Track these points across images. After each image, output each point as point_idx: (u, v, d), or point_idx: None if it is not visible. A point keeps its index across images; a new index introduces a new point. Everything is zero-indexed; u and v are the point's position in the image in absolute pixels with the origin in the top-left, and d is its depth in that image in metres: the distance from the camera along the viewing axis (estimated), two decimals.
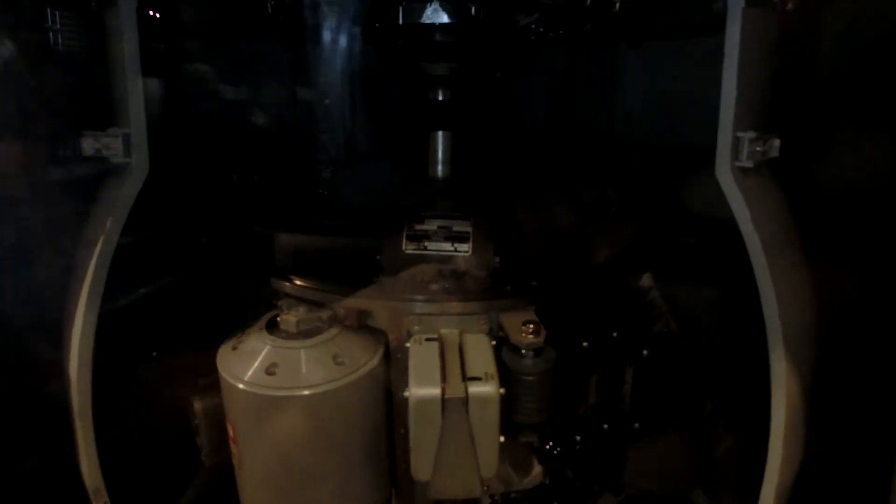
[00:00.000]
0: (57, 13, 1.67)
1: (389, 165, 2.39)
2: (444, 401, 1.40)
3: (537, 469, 1.81)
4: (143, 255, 1.88)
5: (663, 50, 2.37)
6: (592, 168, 2.62)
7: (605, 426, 1.71)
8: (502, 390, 1.43)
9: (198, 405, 1.91)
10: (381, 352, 1.64)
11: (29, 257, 1.68)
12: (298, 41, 2.46)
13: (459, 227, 1.88)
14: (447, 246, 1.85)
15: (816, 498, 1.71)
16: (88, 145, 1.60)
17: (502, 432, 1.50)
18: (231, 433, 1.65)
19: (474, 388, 1.41)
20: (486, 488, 1.78)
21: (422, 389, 1.42)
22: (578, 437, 1.69)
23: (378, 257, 1.82)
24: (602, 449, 1.81)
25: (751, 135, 1.42)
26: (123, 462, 1.77)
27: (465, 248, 1.84)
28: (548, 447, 1.73)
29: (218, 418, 1.78)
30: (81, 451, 1.67)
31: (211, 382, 1.76)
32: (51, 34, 1.67)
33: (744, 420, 1.79)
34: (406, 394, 1.42)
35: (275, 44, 2.55)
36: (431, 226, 1.89)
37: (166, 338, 1.92)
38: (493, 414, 1.42)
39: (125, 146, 1.59)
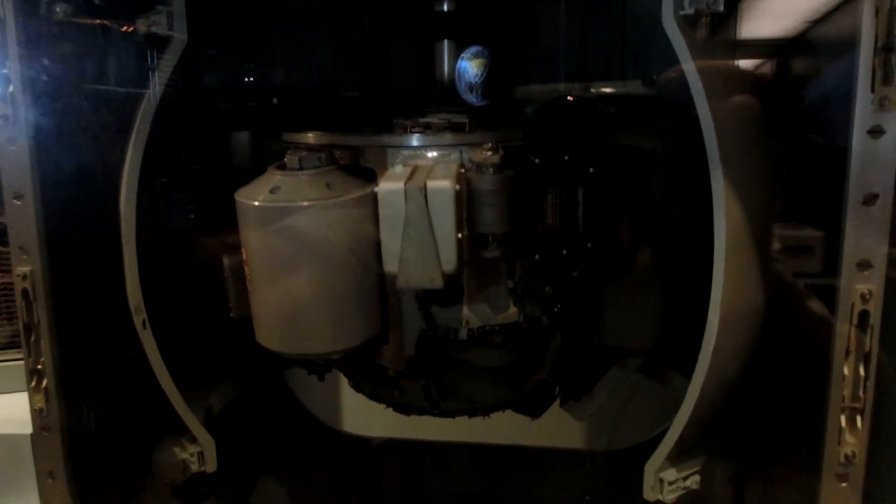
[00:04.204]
0: None
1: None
2: (406, 191, 1.66)
3: (512, 309, 2.02)
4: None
5: None
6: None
7: (564, 251, 1.90)
8: (458, 186, 1.67)
9: (226, 261, 2.24)
10: (370, 188, 1.91)
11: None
12: None
13: (457, 119, 2.16)
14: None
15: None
16: (141, 25, 2.01)
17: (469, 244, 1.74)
18: (245, 256, 1.95)
19: (432, 182, 1.66)
20: (465, 323, 2.01)
21: (388, 184, 1.69)
22: (538, 256, 1.89)
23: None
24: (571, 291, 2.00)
25: None
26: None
27: None
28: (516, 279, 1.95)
29: (242, 274, 2.10)
30: (127, 271, 2.01)
31: (235, 242, 2.08)
32: None
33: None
34: (375, 189, 1.69)
35: None
36: (433, 119, 2.17)
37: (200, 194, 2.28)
38: (450, 205, 1.66)
39: (168, 20, 1.98)
